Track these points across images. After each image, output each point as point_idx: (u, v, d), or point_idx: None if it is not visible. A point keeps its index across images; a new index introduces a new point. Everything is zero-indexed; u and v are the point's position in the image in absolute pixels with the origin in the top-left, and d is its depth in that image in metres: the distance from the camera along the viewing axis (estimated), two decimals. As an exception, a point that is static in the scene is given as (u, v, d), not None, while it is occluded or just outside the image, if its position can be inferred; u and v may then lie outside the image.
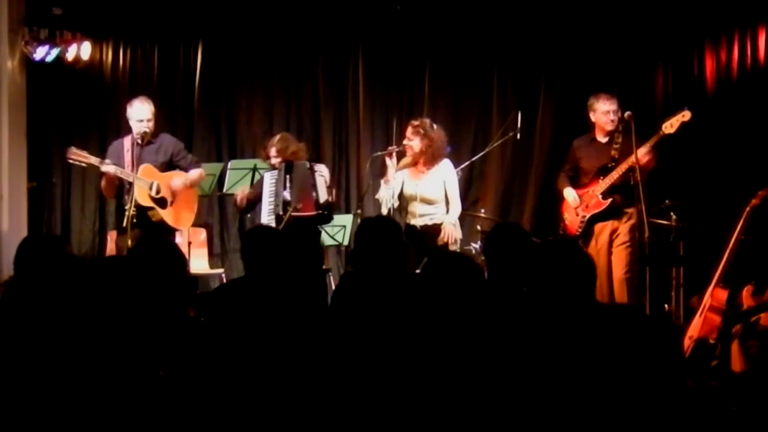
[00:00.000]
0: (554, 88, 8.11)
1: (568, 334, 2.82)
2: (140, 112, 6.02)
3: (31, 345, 2.74)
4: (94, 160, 5.96)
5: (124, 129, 6.36)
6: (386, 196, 6.15)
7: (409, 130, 6.12)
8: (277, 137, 6.41)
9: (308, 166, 6.20)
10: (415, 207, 6.08)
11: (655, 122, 6.28)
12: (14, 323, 2.88)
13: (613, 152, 6.00)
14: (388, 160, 6.17)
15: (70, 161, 6.05)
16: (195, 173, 6.27)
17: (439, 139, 6.15)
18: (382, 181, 6.23)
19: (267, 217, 6.17)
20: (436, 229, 6.08)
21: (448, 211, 6.14)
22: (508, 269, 3.53)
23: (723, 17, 7.29)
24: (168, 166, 6.16)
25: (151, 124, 6.03)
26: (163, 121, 7.61)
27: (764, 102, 6.82)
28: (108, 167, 5.90)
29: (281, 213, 6.04)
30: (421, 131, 6.08)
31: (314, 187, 6.12)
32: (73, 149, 5.99)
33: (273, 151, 6.27)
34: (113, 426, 2.62)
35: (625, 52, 7.85)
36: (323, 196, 6.14)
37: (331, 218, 6.30)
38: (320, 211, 6.08)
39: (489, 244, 3.69)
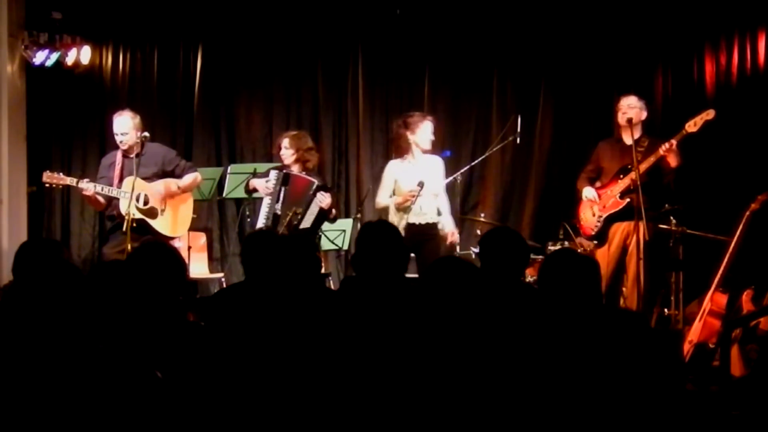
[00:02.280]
0: (554, 91, 8.11)
1: (569, 338, 2.82)
2: (116, 126, 5.99)
3: (31, 350, 2.74)
4: (69, 180, 5.92)
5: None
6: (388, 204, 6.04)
7: (422, 120, 6.03)
8: (294, 132, 6.37)
9: (313, 189, 6.05)
10: (416, 203, 5.84)
11: (654, 126, 6.28)
12: (13, 328, 2.88)
13: (636, 154, 5.81)
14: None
15: (46, 185, 6.00)
16: (188, 178, 6.18)
17: None
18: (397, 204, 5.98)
19: (262, 223, 6.11)
20: (428, 228, 5.95)
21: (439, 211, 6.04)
22: (502, 272, 3.54)
23: (723, 21, 7.30)
24: (162, 175, 6.08)
25: (128, 137, 5.93)
26: (162, 125, 7.67)
27: (764, 106, 6.81)
28: (85, 185, 5.86)
29: (270, 226, 5.93)
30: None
31: (305, 210, 6.02)
32: (48, 173, 5.96)
33: (286, 143, 6.17)
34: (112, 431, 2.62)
35: (625, 56, 7.85)
36: (306, 223, 6.02)
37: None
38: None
39: (482, 248, 3.71)
